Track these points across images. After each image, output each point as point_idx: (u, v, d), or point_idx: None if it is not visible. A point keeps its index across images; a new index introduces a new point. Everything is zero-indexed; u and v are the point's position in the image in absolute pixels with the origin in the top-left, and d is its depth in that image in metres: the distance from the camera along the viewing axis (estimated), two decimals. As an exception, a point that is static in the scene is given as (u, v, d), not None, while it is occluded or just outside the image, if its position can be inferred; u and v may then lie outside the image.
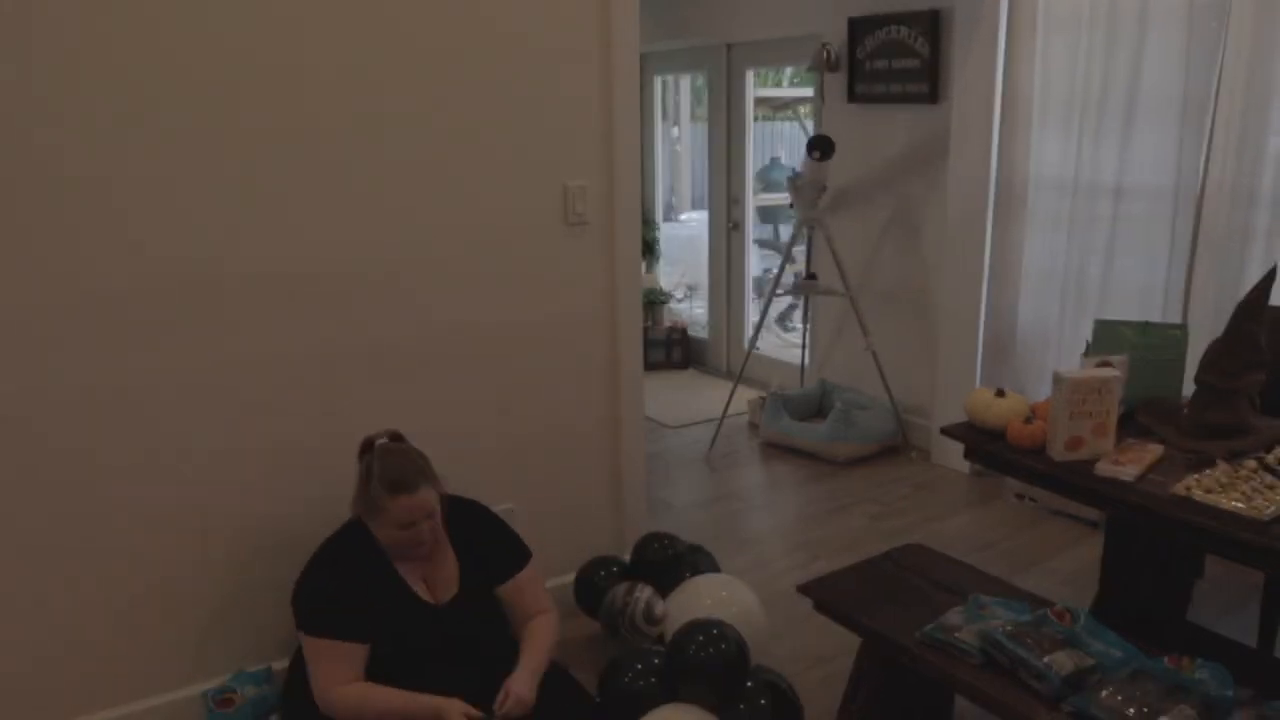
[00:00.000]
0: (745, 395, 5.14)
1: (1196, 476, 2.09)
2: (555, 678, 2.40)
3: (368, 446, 2.37)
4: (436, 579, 2.36)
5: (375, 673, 2.25)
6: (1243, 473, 2.09)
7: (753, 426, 5.08)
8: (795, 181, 4.69)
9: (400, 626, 2.27)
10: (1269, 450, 2.19)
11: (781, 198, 6.32)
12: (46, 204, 2.21)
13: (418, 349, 2.75)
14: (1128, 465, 2.16)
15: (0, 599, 2.31)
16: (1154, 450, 2.24)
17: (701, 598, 2.81)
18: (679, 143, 7.47)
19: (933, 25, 4.30)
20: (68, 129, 2.21)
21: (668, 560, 3.02)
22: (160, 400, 2.41)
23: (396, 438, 2.39)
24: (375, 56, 2.54)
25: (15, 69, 2.13)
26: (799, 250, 5.29)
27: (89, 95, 2.22)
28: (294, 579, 2.38)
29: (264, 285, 2.50)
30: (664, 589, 2.90)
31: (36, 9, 2.13)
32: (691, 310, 6.98)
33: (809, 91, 5.58)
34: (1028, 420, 2.34)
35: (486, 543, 2.47)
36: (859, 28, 4.66)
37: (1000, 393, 2.44)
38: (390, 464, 2.28)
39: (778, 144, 7.45)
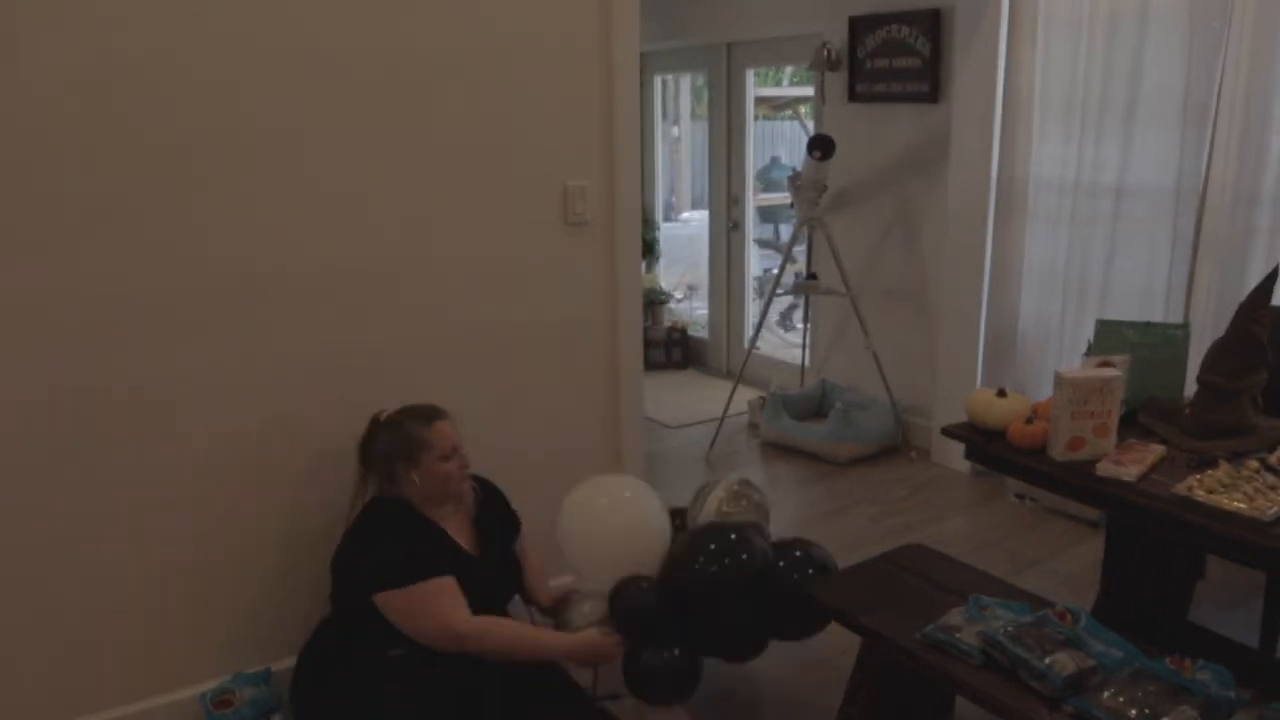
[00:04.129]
0: (745, 395, 5.14)
1: (1198, 477, 2.09)
2: (550, 678, 2.40)
3: (377, 420, 2.46)
4: (467, 535, 2.47)
5: None
6: (1244, 473, 2.08)
7: (753, 426, 5.07)
8: (795, 181, 4.68)
9: (458, 573, 2.34)
10: (1271, 450, 2.19)
11: (782, 197, 6.33)
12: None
13: (416, 349, 2.75)
14: (1129, 465, 2.15)
15: (0, 599, 2.32)
16: (1155, 450, 2.23)
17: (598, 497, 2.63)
18: (679, 142, 7.47)
19: (933, 24, 4.30)
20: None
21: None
22: (159, 402, 2.41)
23: None
24: (375, 58, 2.54)
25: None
26: (799, 250, 5.29)
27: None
28: (295, 579, 2.38)
29: (262, 287, 2.49)
30: None
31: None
32: (691, 310, 6.98)
33: (809, 91, 5.58)
34: (1029, 420, 2.33)
35: (495, 506, 2.61)
36: (859, 27, 4.65)
37: (1001, 393, 2.44)
38: (412, 408, 2.43)
39: (778, 143, 7.46)
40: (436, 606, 2.26)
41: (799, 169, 4.69)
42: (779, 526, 3.95)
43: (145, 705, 2.51)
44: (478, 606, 2.34)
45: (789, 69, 6.89)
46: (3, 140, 2.14)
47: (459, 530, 2.46)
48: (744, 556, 2.44)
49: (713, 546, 2.48)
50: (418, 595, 2.25)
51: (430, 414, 2.41)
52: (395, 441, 2.39)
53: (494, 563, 2.49)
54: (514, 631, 2.36)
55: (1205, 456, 2.20)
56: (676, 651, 2.44)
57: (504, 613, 2.47)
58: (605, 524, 2.60)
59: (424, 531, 2.37)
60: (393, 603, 2.26)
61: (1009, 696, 1.98)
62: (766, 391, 5.07)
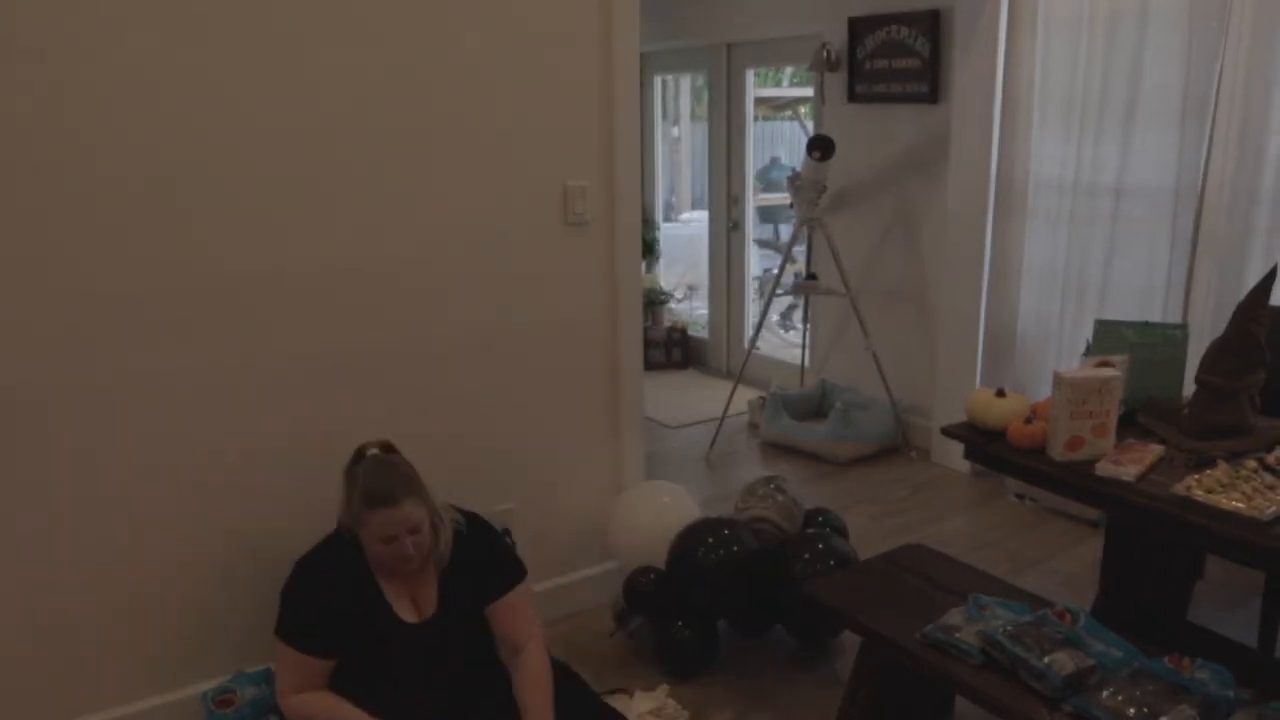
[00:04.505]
0: (745, 395, 5.14)
1: (1197, 477, 2.09)
2: (557, 675, 2.40)
3: (359, 456, 2.29)
4: (419, 595, 2.28)
5: (353, 683, 2.23)
6: (1243, 473, 2.09)
7: (753, 426, 5.08)
8: (795, 181, 4.69)
9: (377, 644, 2.22)
10: (1269, 450, 2.19)
11: (781, 198, 6.33)
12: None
13: (417, 350, 2.75)
14: (1128, 465, 2.16)
15: (0, 598, 2.31)
16: (1154, 450, 2.24)
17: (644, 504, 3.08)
18: (679, 142, 7.48)
19: (933, 25, 4.30)
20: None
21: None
22: (159, 401, 2.41)
23: (388, 448, 2.31)
24: (375, 58, 2.54)
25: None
26: (799, 250, 5.29)
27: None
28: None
29: (261, 287, 2.50)
30: None
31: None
32: (691, 310, 6.98)
33: (809, 91, 5.59)
34: (1028, 420, 2.33)
35: (477, 560, 2.35)
36: (859, 27, 4.66)
37: (1001, 393, 2.44)
38: (374, 476, 2.19)
39: (778, 144, 7.46)
40: (279, 671, 2.26)
41: (799, 169, 4.69)
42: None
43: (146, 705, 2.51)
44: (409, 673, 2.23)
45: (789, 69, 6.89)
46: (4, 140, 2.15)
47: (412, 591, 2.27)
48: (731, 548, 2.87)
49: (696, 536, 2.91)
50: (279, 651, 2.24)
51: (378, 497, 2.15)
52: (346, 500, 2.24)
53: (450, 628, 2.28)
54: (318, 712, 2.21)
55: (1204, 456, 2.20)
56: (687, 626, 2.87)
57: (449, 678, 2.27)
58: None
59: (349, 594, 2.22)
60: (277, 645, 2.25)
61: (1008, 696, 1.98)
62: (766, 391, 5.07)
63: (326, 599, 2.22)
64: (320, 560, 2.28)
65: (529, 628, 2.35)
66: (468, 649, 2.33)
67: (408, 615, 2.26)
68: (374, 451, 2.29)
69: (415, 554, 2.18)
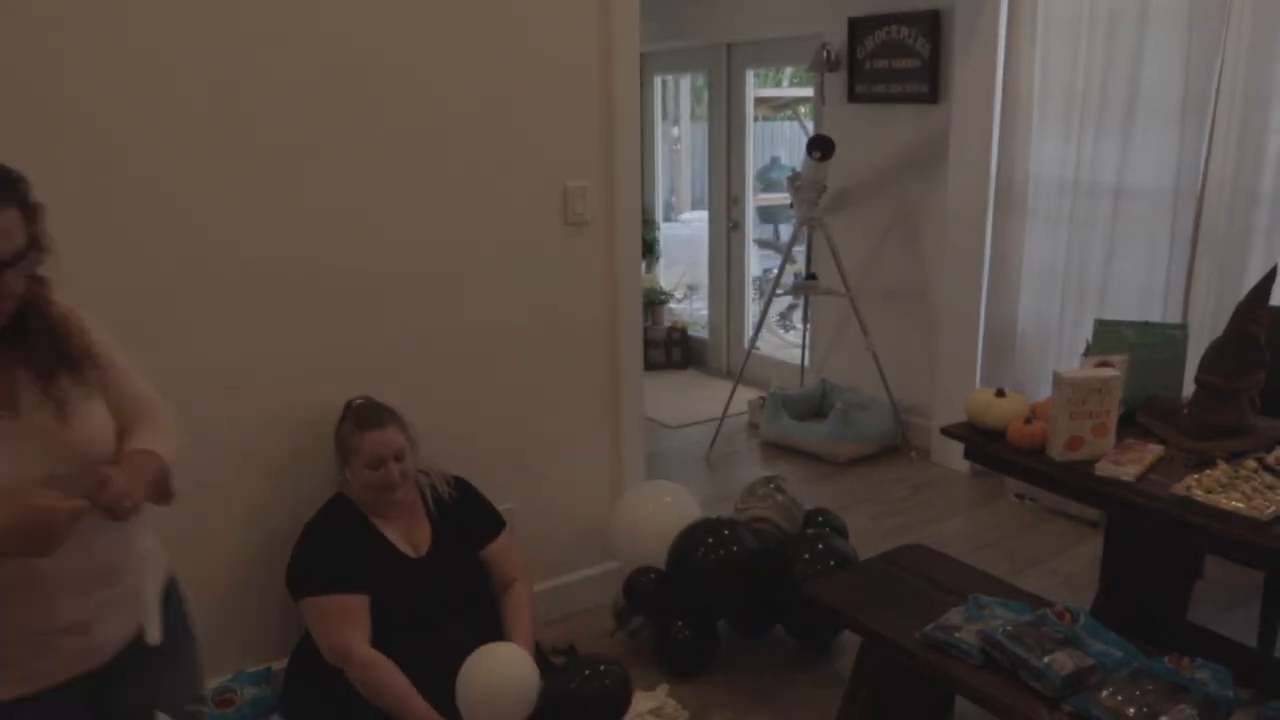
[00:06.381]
0: (745, 395, 5.14)
1: (1196, 477, 2.09)
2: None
3: (348, 406, 2.51)
4: (414, 536, 2.48)
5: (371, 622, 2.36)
6: (1243, 473, 2.09)
7: (753, 426, 5.07)
8: (795, 181, 4.69)
9: (385, 579, 2.38)
10: (1269, 450, 2.19)
11: (781, 198, 6.33)
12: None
13: (416, 349, 2.75)
14: (1128, 465, 2.16)
15: (0, 599, 2.31)
16: (1154, 450, 2.24)
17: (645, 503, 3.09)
18: (679, 142, 7.48)
19: (933, 25, 4.30)
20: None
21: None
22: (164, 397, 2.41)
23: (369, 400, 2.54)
24: (375, 58, 2.54)
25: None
26: (799, 250, 5.29)
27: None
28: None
29: (258, 287, 2.50)
30: None
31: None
32: (691, 310, 6.98)
33: (809, 91, 5.59)
34: (1028, 420, 2.33)
35: (463, 509, 2.59)
36: (859, 27, 4.66)
37: (1000, 393, 2.44)
38: (363, 408, 2.48)
39: (778, 144, 7.47)
40: (329, 626, 2.32)
41: (799, 169, 4.69)
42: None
43: (146, 705, 2.51)
44: (422, 608, 2.39)
45: (789, 70, 6.90)
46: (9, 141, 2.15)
47: (407, 531, 2.48)
48: (731, 548, 2.88)
49: (696, 536, 2.92)
50: (317, 609, 2.34)
51: (370, 419, 2.43)
52: (336, 438, 2.48)
53: (447, 564, 2.49)
54: (389, 682, 2.27)
55: (1203, 456, 2.20)
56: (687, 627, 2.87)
57: (453, 611, 2.44)
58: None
59: (355, 539, 2.40)
60: (305, 609, 2.36)
61: (1008, 696, 1.98)
62: (766, 391, 5.07)
63: (335, 545, 2.39)
64: (320, 520, 2.45)
65: (517, 565, 2.65)
66: (463, 583, 2.51)
67: (407, 552, 2.45)
68: (359, 401, 2.52)
69: (400, 482, 2.41)
